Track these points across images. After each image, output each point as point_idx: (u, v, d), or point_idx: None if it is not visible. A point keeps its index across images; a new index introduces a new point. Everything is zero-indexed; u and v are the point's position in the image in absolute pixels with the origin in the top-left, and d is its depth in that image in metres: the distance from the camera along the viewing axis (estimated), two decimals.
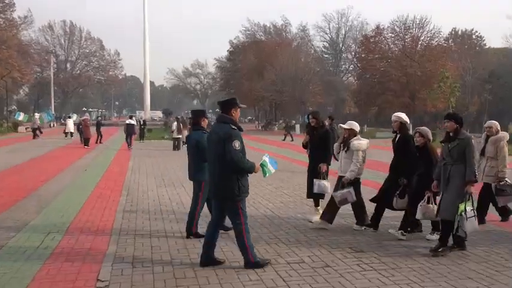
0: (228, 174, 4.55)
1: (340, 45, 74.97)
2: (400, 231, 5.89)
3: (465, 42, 66.53)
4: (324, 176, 6.67)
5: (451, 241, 5.41)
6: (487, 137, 6.88)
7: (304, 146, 7.13)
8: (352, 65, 71.69)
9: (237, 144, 4.48)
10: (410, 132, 6.38)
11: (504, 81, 52.62)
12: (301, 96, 50.19)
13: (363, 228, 6.34)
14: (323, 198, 6.98)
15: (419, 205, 5.64)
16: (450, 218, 5.20)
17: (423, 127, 6.00)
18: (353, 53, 68.24)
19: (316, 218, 6.72)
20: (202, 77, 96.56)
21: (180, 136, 21.26)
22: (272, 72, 49.89)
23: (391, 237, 5.92)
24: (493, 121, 7.05)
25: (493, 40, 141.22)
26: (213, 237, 4.82)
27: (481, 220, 6.37)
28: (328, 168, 6.78)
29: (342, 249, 5.47)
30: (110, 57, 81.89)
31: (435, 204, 5.61)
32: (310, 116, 7.01)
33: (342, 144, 6.51)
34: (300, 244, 5.73)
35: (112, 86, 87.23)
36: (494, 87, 48.67)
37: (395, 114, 6.23)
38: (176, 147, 21.06)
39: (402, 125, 6.08)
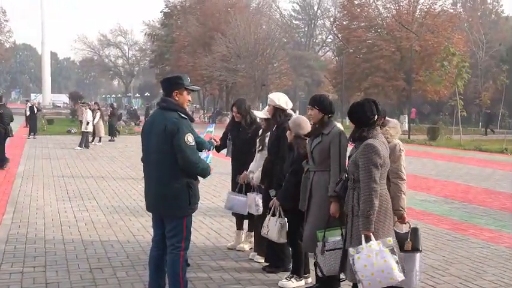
0: (176, 180, 4.58)
1: (315, 9, 76.26)
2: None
3: (477, 8, 69.29)
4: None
5: None
6: None
7: (218, 150, 6.55)
8: (330, 36, 73.01)
9: (190, 138, 4.56)
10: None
11: None
12: (262, 76, 50.53)
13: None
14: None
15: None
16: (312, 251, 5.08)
17: (296, 116, 5.83)
18: (332, 20, 69.40)
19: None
20: (126, 48, 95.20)
21: (90, 130, 22.32)
22: (223, 43, 49.92)
23: None
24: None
25: None
26: (161, 259, 4.81)
27: None
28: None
29: None
30: None
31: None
32: (233, 108, 6.66)
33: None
34: (252, 276, 5.81)
35: None
36: None
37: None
38: (84, 144, 21.47)
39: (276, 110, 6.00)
